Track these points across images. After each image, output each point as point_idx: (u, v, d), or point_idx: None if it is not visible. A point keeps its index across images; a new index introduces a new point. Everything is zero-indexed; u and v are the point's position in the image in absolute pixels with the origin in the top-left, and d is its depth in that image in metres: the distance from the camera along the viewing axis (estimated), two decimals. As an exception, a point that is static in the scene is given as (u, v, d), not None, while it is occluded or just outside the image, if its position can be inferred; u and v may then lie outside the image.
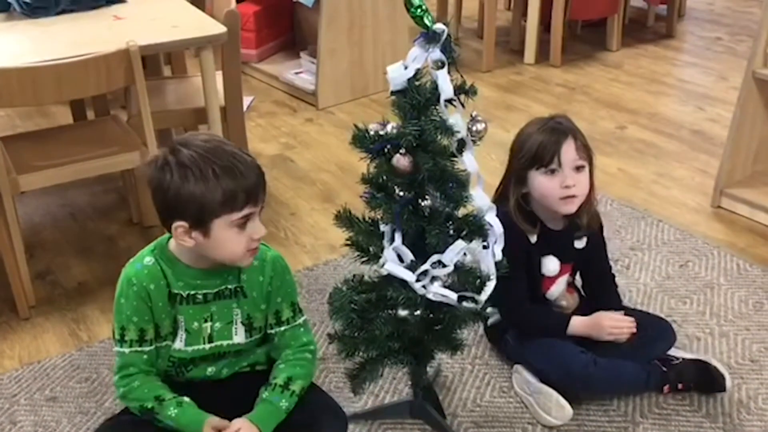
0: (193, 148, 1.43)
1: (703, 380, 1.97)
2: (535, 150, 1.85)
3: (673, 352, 2.01)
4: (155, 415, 1.54)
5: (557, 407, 1.89)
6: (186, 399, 1.55)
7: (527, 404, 1.97)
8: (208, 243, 1.48)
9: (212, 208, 1.43)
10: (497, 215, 1.64)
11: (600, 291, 2.06)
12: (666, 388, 1.97)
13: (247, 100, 3.76)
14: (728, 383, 1.96)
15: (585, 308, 2.04)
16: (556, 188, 1.85)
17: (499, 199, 1.93)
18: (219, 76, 2.64)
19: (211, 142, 1.46)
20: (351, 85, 3.89)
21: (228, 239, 1.47)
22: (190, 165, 1.41)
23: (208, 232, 1.46)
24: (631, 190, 3.02)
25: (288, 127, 3.66)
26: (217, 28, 2.46)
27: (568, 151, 1.84)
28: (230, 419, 1.53)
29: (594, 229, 2.00)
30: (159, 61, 3.29)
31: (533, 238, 1.94)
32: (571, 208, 1.88)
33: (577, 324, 1.95)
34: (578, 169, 1.86)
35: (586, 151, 1.87)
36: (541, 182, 1.86)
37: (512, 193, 1.91)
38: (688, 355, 2.02)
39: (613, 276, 2.09)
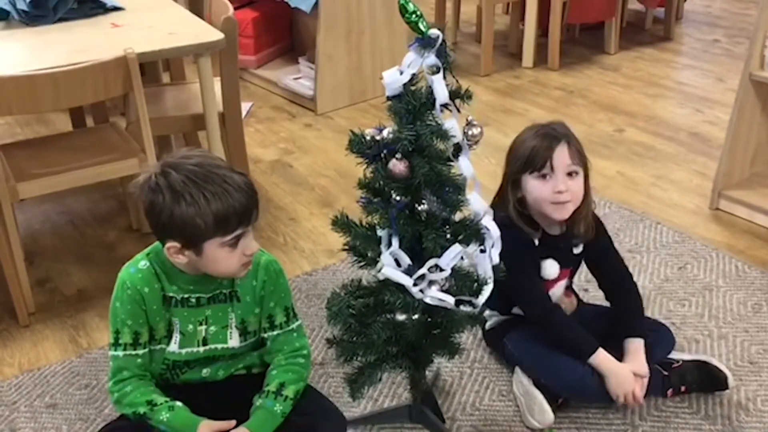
0: (183, 172, 1.43)
1: (705, 380, 1.97)
2: (527, 154, 1.85)
3: (672, 354, 2.01)
4: (148, 421, 1.54)
5: (540, 411, 1.90)
6: (178, 403, 1.55)
7: (519, 404, 1.97)
8: (200, 261, 1.49)
9: (204, 231, 1.43)
10: (499, 219, 1.64)
11: (617, 292, 2.02)
12: (669, 392, 1.97)
13: (246, 106, 3.77)
14: (730, 381, 1.96)
15: (581, 312, 2.06)
16: (548, 193, 1.85)
17: (499, 203, 1.93)
18: (217, 83, 2.65)
19: (201, 165, 1.44)
20: (349, 91, 3.90)
21: (220, 258, 1.48)
22: (181, 190, 1.41)
23: (200, 252, 1.47)
24: (629, 193, 3.02)
25: (287, 132, 3.67)
26: (215, 34, 2.47)
27: (561, 155, 1.84)
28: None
29: (590, 238, 1.98)
30: (158, 68, 3.30)
31: (536, 241, 1.94)
32: (563, 214, 1.88)
33: (602, 361, 1.85)
34: (571, 175, 1.86)
35: (580, 157, 1.87)
36: (533, 186, 1.86)
37: (509, 198, 1.91)
38: (688, 357, 2.02)
39: (630, 275, 2.04)
